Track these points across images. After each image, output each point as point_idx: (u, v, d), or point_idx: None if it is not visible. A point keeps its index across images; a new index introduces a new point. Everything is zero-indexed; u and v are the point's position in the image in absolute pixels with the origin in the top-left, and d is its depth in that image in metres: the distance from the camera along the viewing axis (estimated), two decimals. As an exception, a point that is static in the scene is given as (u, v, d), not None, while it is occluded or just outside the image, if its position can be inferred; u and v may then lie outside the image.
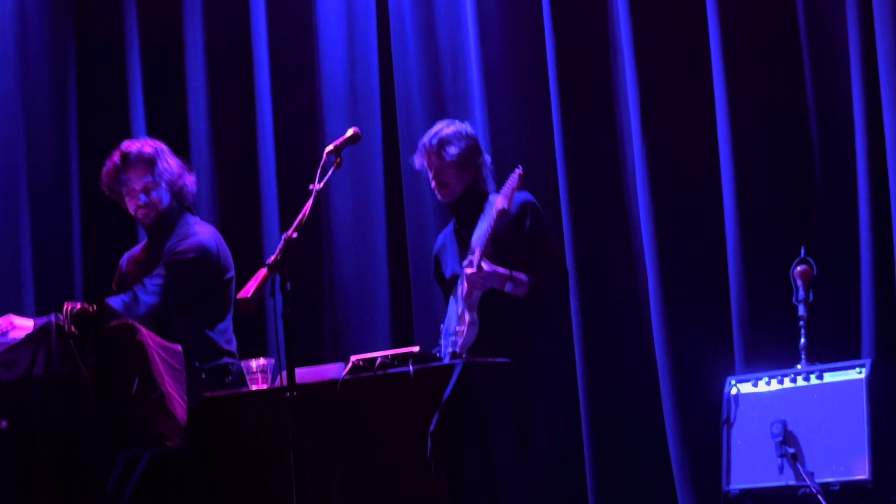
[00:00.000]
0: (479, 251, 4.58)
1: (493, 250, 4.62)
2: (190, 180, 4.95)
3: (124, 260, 5.10)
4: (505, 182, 4.66)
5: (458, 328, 4.64)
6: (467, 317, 4.62)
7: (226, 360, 4.80)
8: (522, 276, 4.65)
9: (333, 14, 6.10)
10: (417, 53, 5.85)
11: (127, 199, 4.88)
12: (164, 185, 4.84)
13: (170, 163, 4.89)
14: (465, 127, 4.93)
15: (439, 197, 4.93)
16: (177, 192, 4.88)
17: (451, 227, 5.02)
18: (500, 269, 4.62)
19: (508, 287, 4.63)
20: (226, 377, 4.77)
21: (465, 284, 4.64)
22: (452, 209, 4.94)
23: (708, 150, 5.06)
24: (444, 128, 4.91)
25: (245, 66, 6.21)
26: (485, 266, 4.59)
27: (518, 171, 4.65)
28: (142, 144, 4.91)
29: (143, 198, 4.84)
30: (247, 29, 6.23)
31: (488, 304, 4.62)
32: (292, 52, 6.19)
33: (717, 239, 5.03)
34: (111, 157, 4.90)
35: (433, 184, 4.91)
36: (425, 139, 4.91)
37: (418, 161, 4.94)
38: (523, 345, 4.60)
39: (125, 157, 4.85)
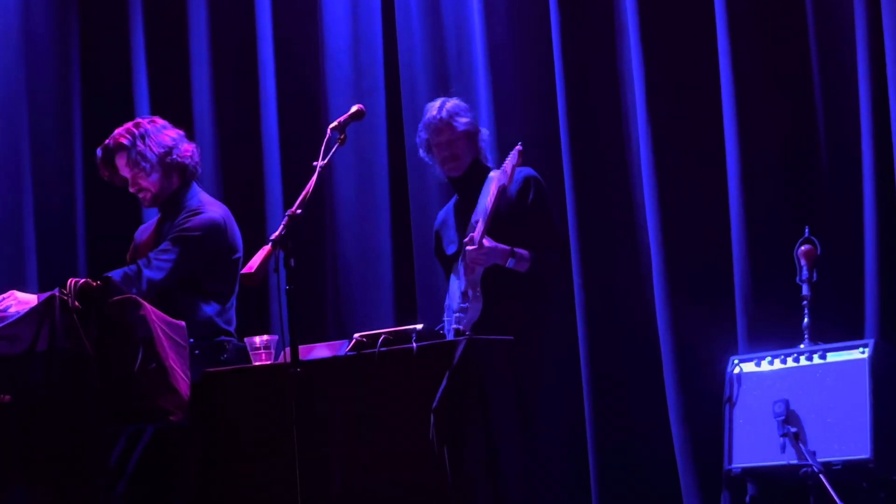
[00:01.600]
0: (480, 228, 4.58)
1: (495, 225, 4.62)
2: (187, 150, 4.86)
3: (139, 233, 5.08)
4: (506, 158, 4.65)
5: (462, 305, 4.64)
6: (471, 293, 4.62)
7: (222, 338, 4.78)
8: (524, 252, 4.64)
9: (338, -10, 6.09)
10: (422, 30, 5.83)
11: (129, 187, 4.89)
12: (149, 167, 4.79)
13: (151, 142, 4.80)
14: (462, 102, 4.93)
15: (448, 172, 4.88)
16: (172, 168, 4.83)
17: (452, 202, 5.00)
18: (502, 246, 4.61)
19: (510, 263, 4.62)
20: (221, 355, 4.76)
21: (468, 261, 4.64)
22: (455, 184, 4.91)
23: (713, 129, 5.06)
24: (446, 102, 4.89)
25: (249, 42, 6.19)
26: (486, 243, 4.58)
27: (518, 147, 4.64)
28: (118, 133, 4.85)
29: (133, 186, 4.83)
30: (250, 5, 6.21)
31: (491, 279, 4.62)
32: (296, 28, 6.17)
33: (721, 217, 5.02)
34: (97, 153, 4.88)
35: (442, 158, 4.85)
36: (432, 114, 4.85)
37: (424, 138, 4.89)
38: (527, 320, 4.60)
39: (105, 149, 4.84)
